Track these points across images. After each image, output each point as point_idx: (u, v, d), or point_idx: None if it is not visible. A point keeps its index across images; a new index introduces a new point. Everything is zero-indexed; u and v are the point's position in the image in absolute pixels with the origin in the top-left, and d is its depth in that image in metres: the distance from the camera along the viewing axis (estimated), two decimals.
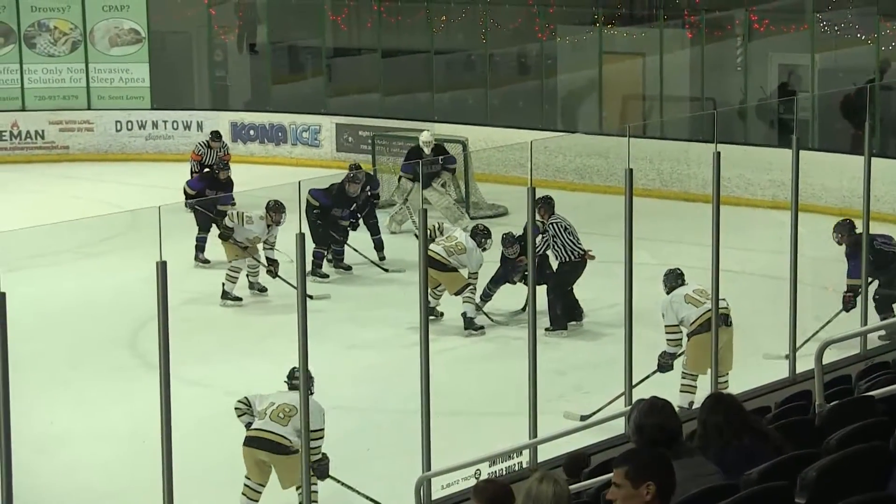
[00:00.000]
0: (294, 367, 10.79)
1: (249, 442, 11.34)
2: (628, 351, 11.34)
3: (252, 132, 26.71)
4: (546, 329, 15.26)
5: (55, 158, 26.44)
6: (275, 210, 16.66)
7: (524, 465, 10.70)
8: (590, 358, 15.00)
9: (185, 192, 19.95)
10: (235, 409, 11.53)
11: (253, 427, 11.37)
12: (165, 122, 26.75)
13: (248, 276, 17.31)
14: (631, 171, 11.22)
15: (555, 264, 15.79)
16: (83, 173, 25.17)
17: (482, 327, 15.83)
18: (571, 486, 7.96)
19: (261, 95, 28.15)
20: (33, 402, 12.90)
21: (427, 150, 20.19)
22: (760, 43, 24.02)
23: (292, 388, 11.41)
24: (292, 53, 28.98)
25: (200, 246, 18.73)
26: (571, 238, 15.61)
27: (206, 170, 20.62)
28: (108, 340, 15.55)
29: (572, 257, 15.57)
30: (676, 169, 22.03)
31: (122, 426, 13.08)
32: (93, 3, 27.11)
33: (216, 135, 22.62)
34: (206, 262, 18.63)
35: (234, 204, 18.84)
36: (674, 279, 13.56)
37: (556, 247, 15.56)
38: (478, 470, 10.66)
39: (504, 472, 10.55)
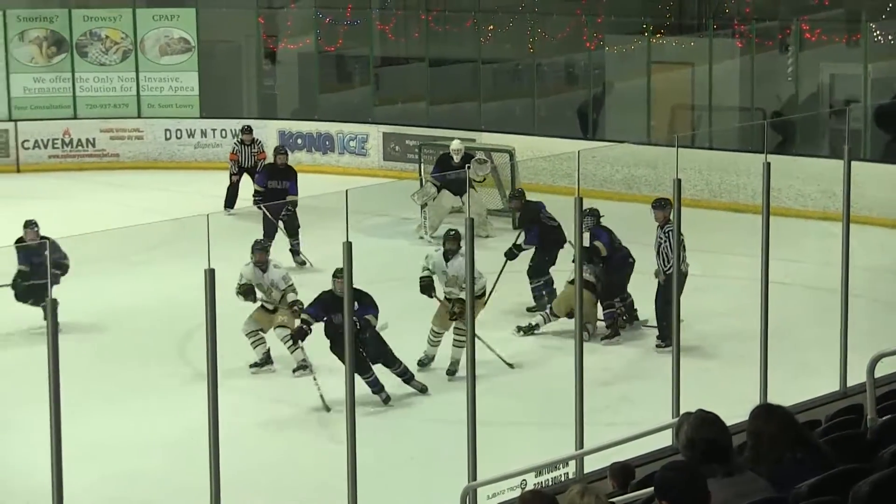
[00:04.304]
0: None
1: None
2: (676, 363, 11.32)
3: (300, 141, 26.77)
4: (657, 345, 15.13)
5: (106, 166, 26.59)
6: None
7: (570, 476, 10.68)
8: (637, 368, 14.93)
9: (256, 191, 20.15)
10: None
11: None
12: (214, 130, 26.85)
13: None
14: (679, 181, 11.17)
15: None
16: (133, 181, 25.30)
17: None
18: (618, 497, 7.93)
19: (308, 104, 28.22)
20: (82, 409, 12.94)
21: (456, 158, 20.20)
22: (811, 53, 23.90)
23: None
24: (340, 62, 29.04)
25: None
26: (680, 250, 15.25)
27: (269, 162, 20.75)
28: (157, 348, 15.59)
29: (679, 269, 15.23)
30: (725, 179, 21.93)
31: (169, 434, 13.10)
32: (144, 13, 27.30)
33: (246, 129, 22.86)
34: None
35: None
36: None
37: (663, 255, 15.18)
38: (523, 480, 10.63)
39: (549, 483, 10.52)
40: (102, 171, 26.23)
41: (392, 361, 14.14)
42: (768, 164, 11.37)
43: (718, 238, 17.63)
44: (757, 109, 23.82)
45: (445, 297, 14.91)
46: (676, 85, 24.92)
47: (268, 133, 26.45)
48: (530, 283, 16.73)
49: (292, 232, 19.27)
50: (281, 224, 19.19)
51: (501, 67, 27.04)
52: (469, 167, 19.72)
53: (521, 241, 16.92)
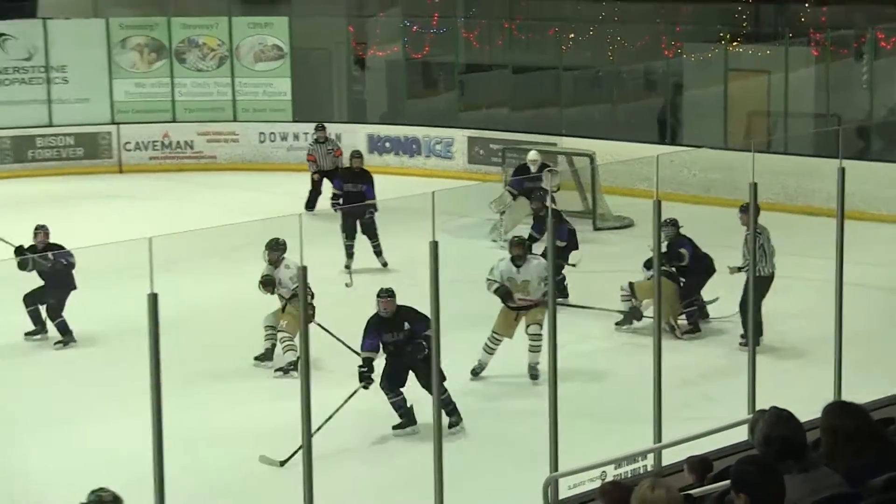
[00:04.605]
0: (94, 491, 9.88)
1: None
2: (751, 361, 11.27)
3: (388, 144, 26.85)
4: (740, 343, 14.92)
5: (203, 167, 26.82)
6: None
7: (648, 469, 10.67)
8: (716, 367, 14.85)
9: (334, 194, 20.22)
10: None
11: None
12: (306, 133, 26.81)
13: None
14: (755, 185, 11.13)
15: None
16: (228, 182, 25.49)
17: None
18: (695, 490, 7.91)
19: (396, 109, 28.33)
20: (178, 401, 13.04)
21: (533, 168, 20.18)
22: (887, 61, 23.67)
23: None
24: (426, 69, 29.11)
25: (349, 253, 18.86)
26: (766, 254, 15.14)
27: (346, 167, 20.74)
28: (247, 343, 15.71)
29: (764, 271, 15.04)
30: (801, 184, 21.77)
31: (261, 425, 13.18)
32: (239, 21, 27.49)
33: (320, 126, 23.06)
34: (348, 266, 18.76)
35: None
36: None
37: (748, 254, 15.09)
38: (603, 472, 10.62)
39: (628, 475, 10.51)
40: (199, 173, 26.46)
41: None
42: (842, 168, 11.29)
43: (794, 241, 17.48)
44: (832, 116, 23.64)
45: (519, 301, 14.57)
46: (752, 92, 24.77)
47: (357, 137, 26.57)
48: None
49: (372, 234, 19.16)
50: (360, 226, 19.06)
51: (582, 74, 27.01)
52: (543, 178, 19.81)
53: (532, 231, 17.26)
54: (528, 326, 14.37)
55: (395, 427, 13.01)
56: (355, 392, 12.81)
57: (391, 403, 12.99)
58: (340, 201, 19.77)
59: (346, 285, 18.19)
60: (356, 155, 20.35)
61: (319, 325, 14.36)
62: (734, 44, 24.82)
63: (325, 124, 23.25)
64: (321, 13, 28.45)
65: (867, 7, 23.64)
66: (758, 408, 9.19)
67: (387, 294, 12.94)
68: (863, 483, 5.60)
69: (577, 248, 17.16)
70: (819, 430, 6.03)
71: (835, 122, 23.21)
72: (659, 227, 11.45)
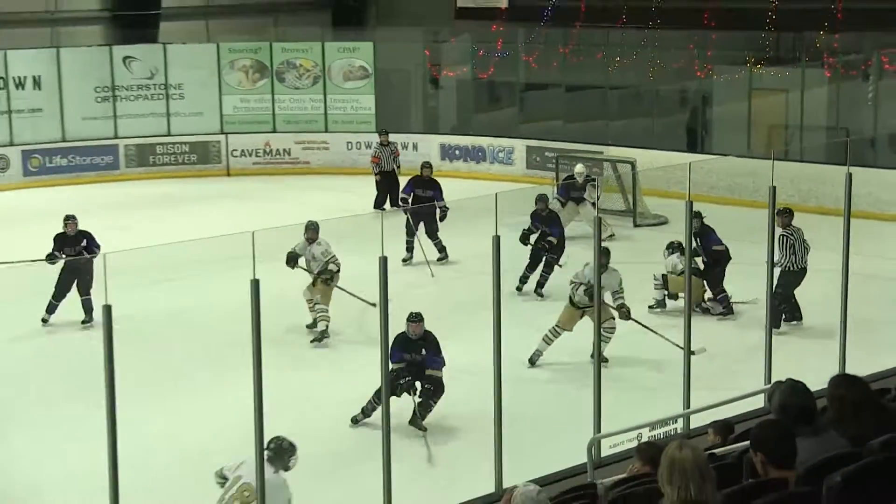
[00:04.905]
0: (273, 438, 9.51)
1: None
2: (768, 340, 11.24)
3: (457, 152, 26.88)
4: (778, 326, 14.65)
5: (298, 171, 26.92)
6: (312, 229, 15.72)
7: (678, 431, 10.66)
8: (738, 344, 14.78)
9: (402, 197, 20.19)
10: (217, 481, 9.68)
11: None
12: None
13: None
14: (774, 188, 11.07)
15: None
16: (320, 184, 25.58)
17: None
18: (719, 449, 7.90)
19: (465, 122, 28.34)
20: (279, 370, 13.05)
21: (579, 180, 20.17)
22: (890, 82, 23.45)
23: (269, 459, 9.40)
24: (491, 87, 29.10)
25: (409, 247, 18.88)
26: (799, 251, 15.11)
27: (417, 175, 20.32)
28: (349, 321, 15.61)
29: (795, 267, 15.05)
30: (814, 188, 21.60)
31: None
32: (331, 46, 27.58)
33: (383, 132, 23.21)
34: (407, 260, 18.79)
35: (444, 206, 18.82)
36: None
37: (785, 251, 15.02)
38: (639, 433, 10.62)
39: (661, 437, 10.51)
40: (295, 176, 26.56)
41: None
42: (850, 174, 11.23)
43: (808, 237, 17.34)
44: (841, 129, 23.45)
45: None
46: (773, 108, 24.60)
47: (431, 146, 26.65)
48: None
49: (433, 234, 19.00)
50: (423, 226, 18.93)
51: (626, 92, 26.89)
52: (587, 188, 20.00)
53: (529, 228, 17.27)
54: (604, 321, 13.53)
55: (354, 417, 12.60)
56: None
57: (369, 401, 12.49)
58: (409, 203, 19.60)
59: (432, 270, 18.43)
60: (427, 165, 20.27)
61: (342, 288, 15.06)
62: (757, 66, 24.64)
63: (398, 133, 23.29)
64: (402, 39, 28.47)
65: (874, 34, 23.39)
66: (774, 380, 9.19)
67: (416, 318, 12.48)
68: (863, 444, 5.60)
69: (564, 248, 17.18)
70: (826, 399, 6.02)
71: (844, 134, 23.03)
72: (691, 223, 11.44)
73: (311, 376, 14.14)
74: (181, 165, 27.02)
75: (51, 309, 16.00)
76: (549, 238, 17.23)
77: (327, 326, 15.20)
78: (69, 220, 16.27)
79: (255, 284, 8.02)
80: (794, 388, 5.79)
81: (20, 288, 16.22)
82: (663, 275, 16.19)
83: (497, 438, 9.55)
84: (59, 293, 15.94)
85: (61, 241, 16.17)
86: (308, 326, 15.49)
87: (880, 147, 23.39)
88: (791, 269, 15.06)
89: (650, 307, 16.21)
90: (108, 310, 7.56)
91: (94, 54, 26.77)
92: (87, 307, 15.84)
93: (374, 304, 13.00)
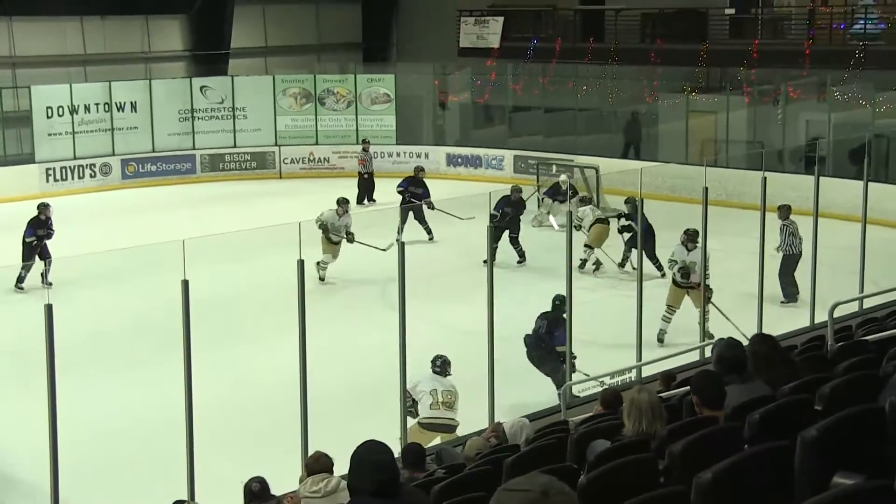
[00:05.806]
0: (436, 355, 9.68)
1: (428, 427, 9.59)
2: (703, 305, 11.17)
3: (460, 160, 26.84)
4: (781, 301, 14.36)
5: (335, 175, 26.81)
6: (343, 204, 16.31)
7: (632, 380, 10.63)
8: (683, 308, 14.52)
9: (398, 191, 19.98)
10: (408, 409, 9.15)
11: (426, 416, 9.56)
12: (404, 152, 27.04)
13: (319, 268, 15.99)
14: (706, 188, 11.03)
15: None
16: (352, 185, 25.47)
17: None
18: (663, 394, 7.85)
19: (465, 136, 28.27)
20: (338, 325, 12.94)
21: (563, 187, 20.05)
22: (794, 106, 23.40)
23: (437, 373, 9.66)
24: (486, 109, 29.03)
25: (400, 230, 18.65)
26: (795, 239, 14.83)
27: (411, 175, 20.17)
28: (366, 298, 15.34)
29: (793, 251, 14.81)
30: (737, 188, 21.53)
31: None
32: (361, 77, 27.56)
33: (366, 140, 24.17)
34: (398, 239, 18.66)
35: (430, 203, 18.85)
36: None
37: (784, 239, 14.86)
38: (601, 381, 10.59)
39: (618, 384, 10.50)
40: (333, 179, 26.43)
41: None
42: (765, 178, 11.17)
43: (732, 226, 17.34)
44: (758, 142, 23.39)
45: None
46: (705, 126, 24.53)
47: (439, 155, 26.65)
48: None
49: (422, 220, 19.08)
50: (412, 215, 18.87)
51: (591, 114, 26.77)
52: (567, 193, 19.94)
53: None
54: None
55: None
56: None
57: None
58: (405, 196, 19.56)
59: (430, 239, 18.75)
60: (420, 169, 20.42)
61: (361, 241, 15.59)
62: (693, 94, 24.55)
63: (413, 145, 23.27)
64: (417, 72, 28.41)
65: (782, 70, 23.36)
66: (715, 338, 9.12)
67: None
68: (777, 389, 5.55)
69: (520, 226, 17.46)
70: (747, 353, 5.97)
71: (759, 146, 22.97)
72: (641, 213, 11.40)
73: (340, 333, 14.05)
74: (244, 171, 26.96)
75: (21, 279, 15.64)
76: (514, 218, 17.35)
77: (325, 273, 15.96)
78: (44, 207, 15.98)
79: (301, 264, 8.02)
80: (728, 344, 5.74)
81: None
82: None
83: (490, 385, 9.51)
84: (28, 266, 15.60)
85: (35, 224, 15.84)
86: (321, 279, 15.92)
87: (787, 157, 23.34)
88: (791, 252, 14.90)
89: (579, 268, 15.89)
90: (185, 284, 7.51)
91: (177, 84, 26.77)
92: (47, 272, 15.61)
93: (384, 250, 13.45)
